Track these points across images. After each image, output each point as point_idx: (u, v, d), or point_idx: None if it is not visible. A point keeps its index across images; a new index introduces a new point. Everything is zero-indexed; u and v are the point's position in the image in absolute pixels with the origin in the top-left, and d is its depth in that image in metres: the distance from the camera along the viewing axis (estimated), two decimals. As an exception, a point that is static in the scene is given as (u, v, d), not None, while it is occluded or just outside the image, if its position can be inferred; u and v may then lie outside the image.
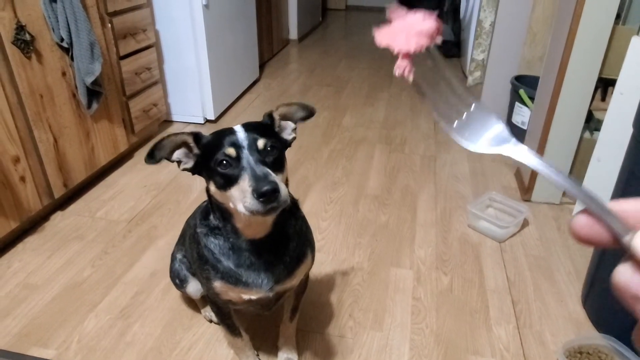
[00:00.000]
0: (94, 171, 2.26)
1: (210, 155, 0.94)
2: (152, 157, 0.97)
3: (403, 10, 0.35)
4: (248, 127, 0.97)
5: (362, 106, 3.40)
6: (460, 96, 0.35)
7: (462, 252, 1.88)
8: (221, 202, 0.98)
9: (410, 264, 1.81)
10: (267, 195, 0.84)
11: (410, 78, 0.35)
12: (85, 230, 1.99)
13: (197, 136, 0.99)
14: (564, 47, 1.91)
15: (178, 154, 1.00)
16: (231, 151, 0.91)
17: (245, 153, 0.91)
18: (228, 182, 0.91)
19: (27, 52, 1.76)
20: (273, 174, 0.89)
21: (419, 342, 1.48)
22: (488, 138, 0.34)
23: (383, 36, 0.36)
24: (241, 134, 0.94)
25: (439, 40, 0.35)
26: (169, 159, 0.99)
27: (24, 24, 1.73)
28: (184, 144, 0.99)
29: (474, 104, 0.35)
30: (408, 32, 0.35)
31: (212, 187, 0.96)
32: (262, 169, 0.89)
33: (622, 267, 0.26)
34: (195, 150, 0.99)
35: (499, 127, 0.34)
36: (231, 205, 0.93)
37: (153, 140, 0.94)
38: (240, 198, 0.88)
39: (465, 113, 0.35)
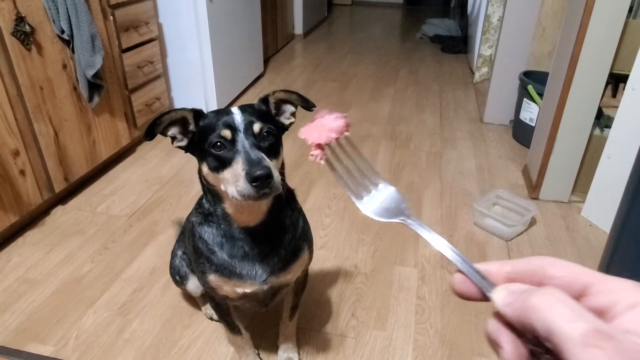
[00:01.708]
0: (95, 165, 2.24)
1: (205, 136, 0.92)
2: (149, 134, 0.95)
3: (325, 112, 0.47)
4: (246, 110, 0.94)
5: (367, 102, 3.36)
6: (368, 177, 0.43)
7: (468, 251, 1.84)
8: (212, 185, 0.96)
9: (415, 262, 1.78)
10: (260, 179, 0.83)
11: (322, 162, 0.45)
12: (86, 225, 1.97)
13: (197, 113, 0.96)
14: (574, 42, 1.87)
15: (174, 130, 0.98)
16: (227, 133, 0.89)
17: (241, 136, 0.89)
18: (221, 164, 0.89)
19: (27, 43, 1.74)
20: (267, 159, 0.87)
21: (423, 342, 1.45)
22: (390, 210, 0.41)
23: (304, 131, 0.46)
24: (238, 116, 0.92)
25: (347, 134, 0.46)
26: (164, 134, 0.97)
27: (23, 15, 1.71)
28: (183, 120, 0.97)
29: (380, 184, 0.42)
30: (321, 128, 0.45)
31: (205, 169, 0.94)
32: (256, 154, 0.87)
33: (491, 319, 0.30)
34: (192, 128, 0.97)
35: (400, 203, 0.41)
36: (222, 188, 0.91)
37: (152, 117, 0.93)
38: (233, 181, 0.87)
39: (373, 190, 0.42)
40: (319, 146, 0.45)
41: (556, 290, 0.26)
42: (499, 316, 0.29)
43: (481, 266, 0.32)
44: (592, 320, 0.24)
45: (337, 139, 0.45)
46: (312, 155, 0.45)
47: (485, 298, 0.31)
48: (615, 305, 0.26)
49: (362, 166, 0.44)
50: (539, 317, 0.25)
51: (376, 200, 0.42)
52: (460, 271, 0.33)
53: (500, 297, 0.29)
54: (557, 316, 0.24)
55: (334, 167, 0.44)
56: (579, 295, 0.28)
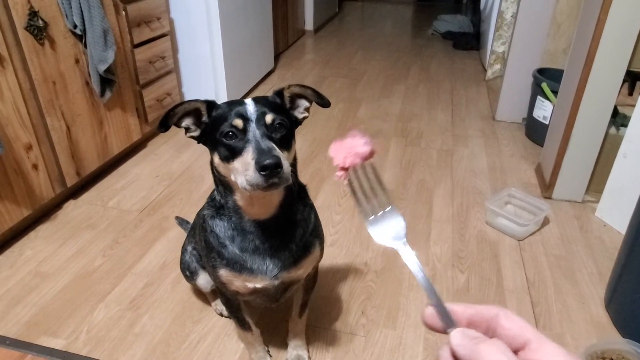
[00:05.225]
0: (107, 160, 2.25)
1: (217, 125, 0.92)
2: (164, 125, 0.96)
3: (356, 133, 0.49)
4: (259, 100, 0.94)
5: (377, 98, 3.34)
6: (382, 200, 0.47)
7: (480, 250, 1.82)
8: (224, 175, 0.96)
9: (426, 261, 1.76)
10: (269, 168, 0.82)
11: (345, 183, 0.49)
12: (97, 220, 1.98)
13: (210, 105, 0.97)
14: (590, 39, 1.83)
15: (187, 121, 0.98)
16: (238, 122, 0.89)
17: (252, 126, 0.89)
18: (232, 153, 0.89)
19: (40, 38, 1.74)
20: (278, 150, 0.87)
21: (434, 341, 1.44)
22: (390, 234, 0.45)
23: (333, 148, 0.49)
24: (251, 107, 0.92)
25: (372, 160, 0.49)
26: (178, 125, 0.98)
27: (37, 10, 1.71)
28: (196, 111, 0.97)
29: (389, 207, 0.46)
30: (349, 151, 0.48)
31: (216, 159, 0.94)
32: (267, 143, 0.87)
33: (444, 346, 0.36)
34: (205, 119, 0.98)
35: (400, 231, 0.45)
36: (233, 178, 0.91)
37: (166, 108, 0.95)
38: (242, 171, 0.87)
39: (381, 212, 0.46)
40: (344, 168, 0.48)
41: (499, 342, 0.33)
42: (451, 351, 0.35)
43: (450, 305, 0.38)
44: None
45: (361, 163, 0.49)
46: (337, 175, 0.49)
47: (446, 332, 0.37)
48: None
49: (377, 190, 0.48)
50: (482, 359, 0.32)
51: (381, 223, 0.46)
52: (432, 305, 0.39)
53: (457, 337, 0.35)
54: None
55: (354, 189, 0.48)
56: (519, 347, 0.34)
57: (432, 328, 0.39)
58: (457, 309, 0.38)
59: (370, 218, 0.46)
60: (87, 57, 1.96)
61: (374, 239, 0.44)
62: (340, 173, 0.49)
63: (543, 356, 0.33)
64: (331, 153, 0.50)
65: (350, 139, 0.49)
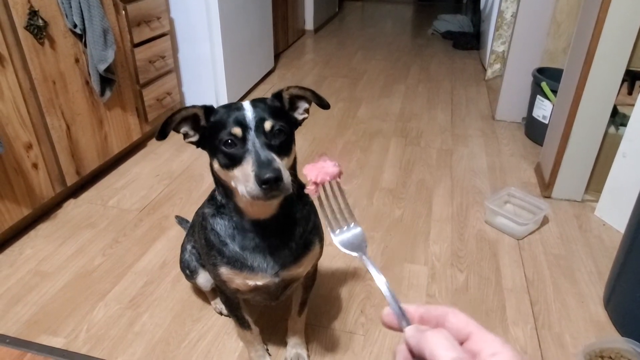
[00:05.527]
0: (107, 159, 2.25)
1: (216, 132, 0.91)
2: (162, 134, 0.95)
3: (327, 158, 0.58)
4: (257, 105, 0.93)
5: (377, 98, 3.34)
6: (345, 216, 0.55)
7: (479, 249, 1.83)
8: (223, 180, 0.96)
9: (425, 260, 1.77)
10: (269, 182, 0.82)
11: (316, 196, 0.57)
12: (97, 219, 1.98)
13: (208, 110, 0.96)
14: (590, 38, 1.83)
15: (186, 127, 0.98)
16: (237, 131, 0.88)
17: (252, 134, 0.88)
18: (232, 162, 0.89)
19: (40, 37, 1.75)
20: (278, 160, 0.86)
21: (433, 340, 1.44)
22: (353, 245, 0.52)
23: (307, 168, 0.58)
24: (249, 113, 0.90)
25: (339, 179, 0.58)
26: (177, 130, 0.98)
27: (37, 9, 1.71)
28: (194, 117, 0.97)
29: (352, 223, 0.54)
30: (320, 170, 0.57)
31: (216, 165, 0.94)
32: (266, 154, 0.86)
33: (401, 343, 0.40)
34: (203, 123, 0.97)
35: (362, 242, 0.53)
36: (233, 184, 0.91)
37: (164, 116, 0.95)
38: (243, 181, 0.87)
39: (345, 227, 0.54)
40: (316, 184, 0.57)
41: (444, 330, 0.38)
42: (407, 345, 0.39)
43: (404, 305, 0.43)
44: (459, 352, 0.35)
45: (330, 181, 0.58)
46: (308, 188, 0.57)
47: (402, 330, 0.41)
48: (483, 350, 0.37)
49: (342, 206, 0.56)
50: (428, 345, 0.36)
51: (345, 235, 0.54)
52: (389, 306, 0.43)
53: (409, 331, 0.40)
54: (439, 345, 0.36)
55: (322, 204, 0.56)
56: (464, 339, 0.38)
57: (389, 327, 0.43)
58: (410, 308, 0.43)
59: (337, 232, 0.54)
60: (87, 56, 1.96)
61: (339, 248, 0.52)
62: (312, 187, 0.57)
63: (483, 345, 0.37)
64: (305, 171, 0.58)
65: (322, 162, 0.58)
